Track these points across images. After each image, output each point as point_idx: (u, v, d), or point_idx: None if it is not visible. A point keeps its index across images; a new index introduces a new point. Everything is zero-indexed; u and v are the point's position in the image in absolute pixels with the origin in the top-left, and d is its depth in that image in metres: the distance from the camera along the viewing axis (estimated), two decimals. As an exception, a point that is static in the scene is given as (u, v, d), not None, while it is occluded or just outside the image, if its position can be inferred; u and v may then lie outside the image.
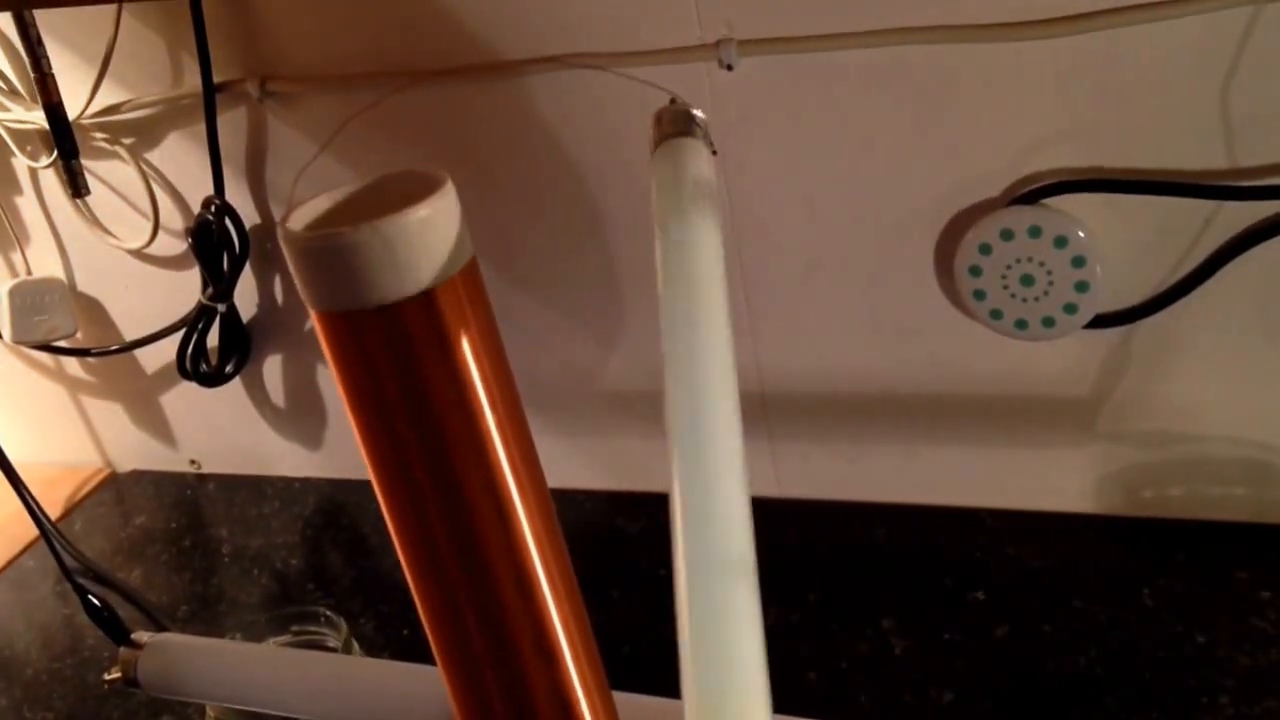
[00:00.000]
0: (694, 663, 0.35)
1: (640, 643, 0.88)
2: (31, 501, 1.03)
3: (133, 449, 1.33)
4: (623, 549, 1.02)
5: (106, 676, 0.82)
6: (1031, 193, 0.79)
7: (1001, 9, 0.74)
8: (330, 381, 1.15)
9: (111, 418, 1.31)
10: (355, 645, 0.85)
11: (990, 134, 0.79)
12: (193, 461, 1.30)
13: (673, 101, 0.70)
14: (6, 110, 1.08)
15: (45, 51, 0.99)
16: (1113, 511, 0.93)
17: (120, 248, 1.14)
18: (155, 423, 1.29)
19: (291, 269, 0.43)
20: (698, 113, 0.66)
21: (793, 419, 0.99)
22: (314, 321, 0.44)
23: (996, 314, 0.83)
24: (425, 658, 0.55)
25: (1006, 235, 0.80)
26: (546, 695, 0.51)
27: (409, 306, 0.42)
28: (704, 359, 0.46)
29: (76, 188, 1.07)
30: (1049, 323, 0.82)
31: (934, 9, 0.75)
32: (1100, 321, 0.82)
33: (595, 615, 0.53)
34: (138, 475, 1.33)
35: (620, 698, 0.56)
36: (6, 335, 1.17)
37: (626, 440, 1.06)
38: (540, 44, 0.86)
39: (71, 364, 1.29)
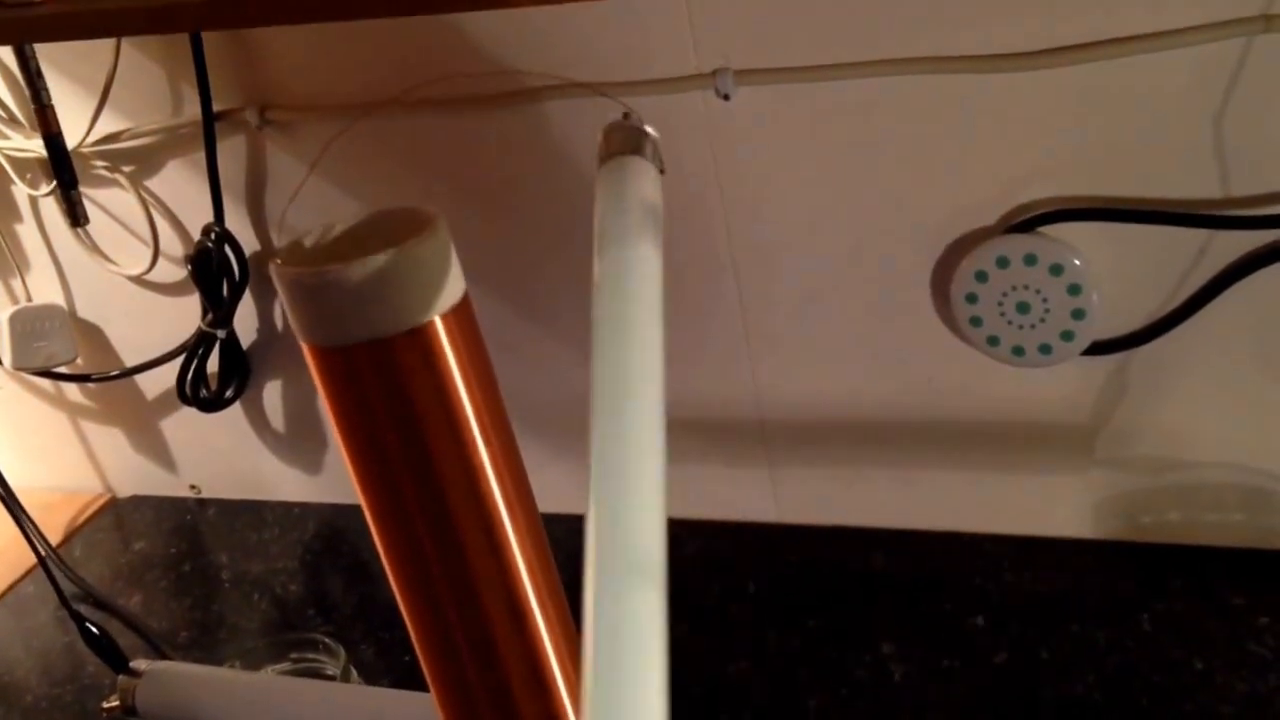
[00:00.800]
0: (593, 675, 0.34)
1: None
2: (29, 529, 1.04)
3: (133, 474, 1.33)
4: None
5: (105, 705, 0.83)
6: (1027, 220, 0.80)
7: (995, 41, 0.74)
8: (330, 407, 1.15)
9: (111, 443, 1.31)
10: (354, 673, 0.86)
11: (985, 162, 0.80)
12: (193, 486, 1.30)
13: (626, 116, 0.68)
14: (6, 138, 1.08)
15: (45, 83, 1.00)
16: (1111, 536, 0.93)
17: (120, 274, 1.14)
18: (155, 448, 1.29)
19: (284, 303, 0.43)
20: (649, 129, 0.65)
21: (792, 444, 0.99)
22: (307, 355, 0.44)
23: (993, 340, 0.84)
24: (426, 684, 0.55)
25: (1002, 262, 0.80)
26: (541, 725, 0.51)
27: (401, 341, 0.43)
28: (630, 385, 0.44)
29: (75, 217, 1.07)
30: (1046, 350, 0.82)
31: (928, 40, 0.76)
32: (1097, 348, 0.82)
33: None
34: (138, 500, 1.33)
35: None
36: (7, 362, 1.17)
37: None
38: (537, 74, 0.86)
39: (72, 390, 1.29)
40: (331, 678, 0.87)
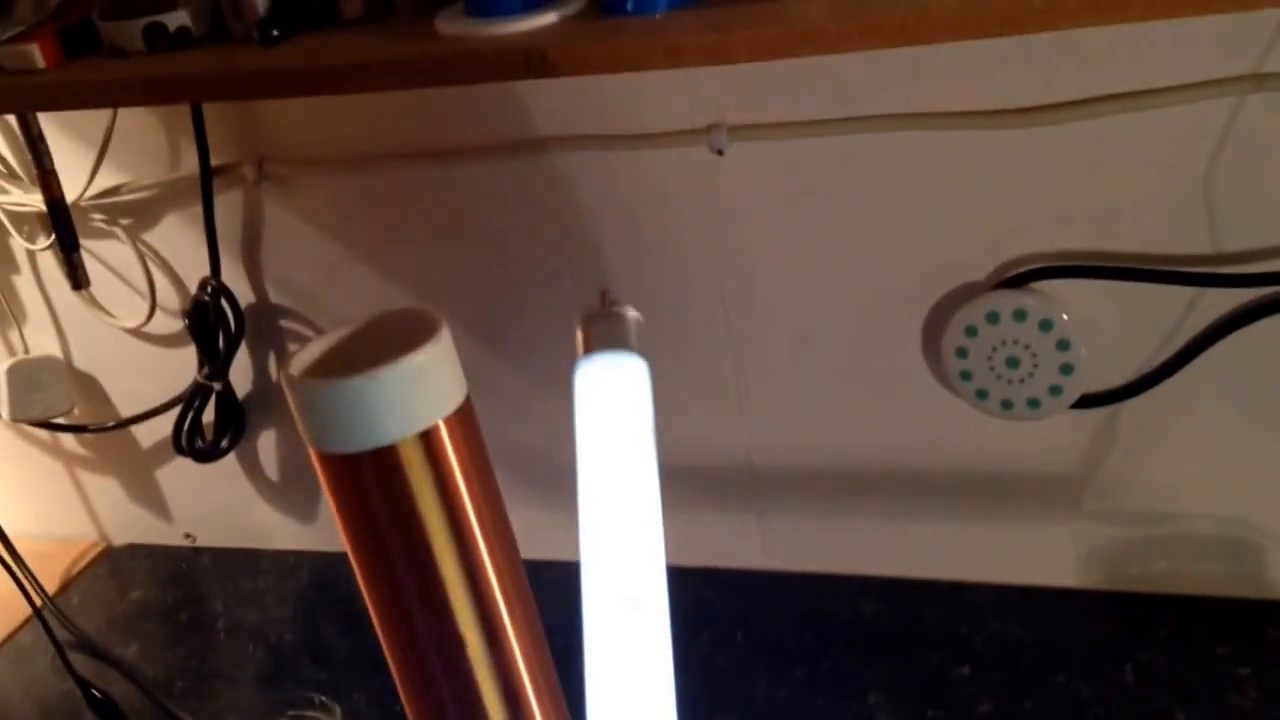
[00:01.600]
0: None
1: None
2: (26, 582, 1.04)
3: (128, 523, 1.33)
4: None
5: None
6: (1017, 276, 0.81)
7: (984, 97, 0.76)
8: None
9: (107, 493, 1.32)
10: (348, 728, 0.86)
11: (976, 218, 0.81)
12: (188, 535, 1.31)
13: (603, 297, 0.65)
14: (5, 193, 1.09)
15: (47, 147, 1.00)
16: (1097, 586, 0.93)
17: (117, 327, 1.15)
18: (151, 497, 1.30)
19: (293, 410, 0.44)
20: (630, 312, 0.63)
21: (781, 492, 1.00)
22: (313, 458, 0.45)
23: (982, 394, 0.85)
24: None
25: (992, 318, 0.81)
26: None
27: (405, 448, 0.44)
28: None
29: (77, 280, 1.08)
30: (1034, 404, 0.83)
31: (919, 97, 0.77)
32: (1086, 402, 0.84)
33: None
34: (133, 549, 1.34)
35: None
36: (5, 413, 1.18)
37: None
38: (536, 128, 0.88)
39: (69, 440, 1.29)
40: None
